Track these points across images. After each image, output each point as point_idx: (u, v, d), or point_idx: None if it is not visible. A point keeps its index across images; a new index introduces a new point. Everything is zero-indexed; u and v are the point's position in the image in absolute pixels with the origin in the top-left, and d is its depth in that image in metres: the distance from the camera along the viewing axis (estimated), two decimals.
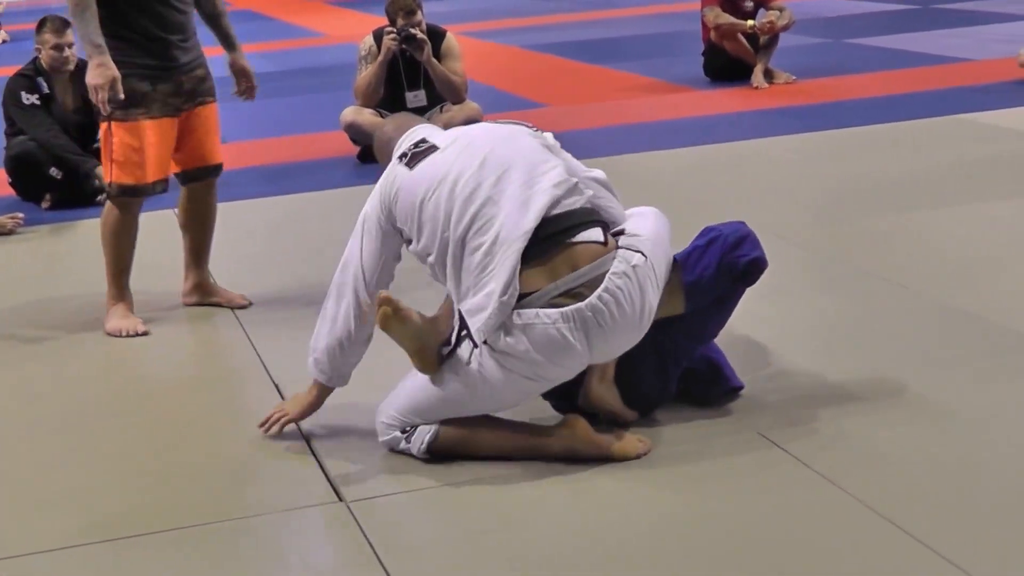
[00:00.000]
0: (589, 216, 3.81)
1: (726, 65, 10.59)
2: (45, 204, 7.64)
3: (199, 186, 5.48)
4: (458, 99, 8.32)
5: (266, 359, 4.88)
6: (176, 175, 5.37)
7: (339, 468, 3.87)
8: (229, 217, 7.01)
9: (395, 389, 3.93)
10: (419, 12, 8.28)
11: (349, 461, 3.89)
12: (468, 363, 3.73)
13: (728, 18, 10.37)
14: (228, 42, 5.50)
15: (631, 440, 3.81)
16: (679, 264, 3.96)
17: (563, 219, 3.76)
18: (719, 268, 3.95)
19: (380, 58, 8.20)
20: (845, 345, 4.69)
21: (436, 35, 8.40)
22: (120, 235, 5.32)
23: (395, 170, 3.96)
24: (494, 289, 3.67)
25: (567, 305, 3.67)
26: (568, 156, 4.00)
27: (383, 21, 8.51)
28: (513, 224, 3.71)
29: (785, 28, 10.36)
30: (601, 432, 3.82)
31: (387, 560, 3.32)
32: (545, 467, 3.76)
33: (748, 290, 4.09)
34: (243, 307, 5.51)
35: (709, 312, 4.03)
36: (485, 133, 3.96)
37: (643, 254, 3.76)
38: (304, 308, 5.46)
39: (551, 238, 3.72)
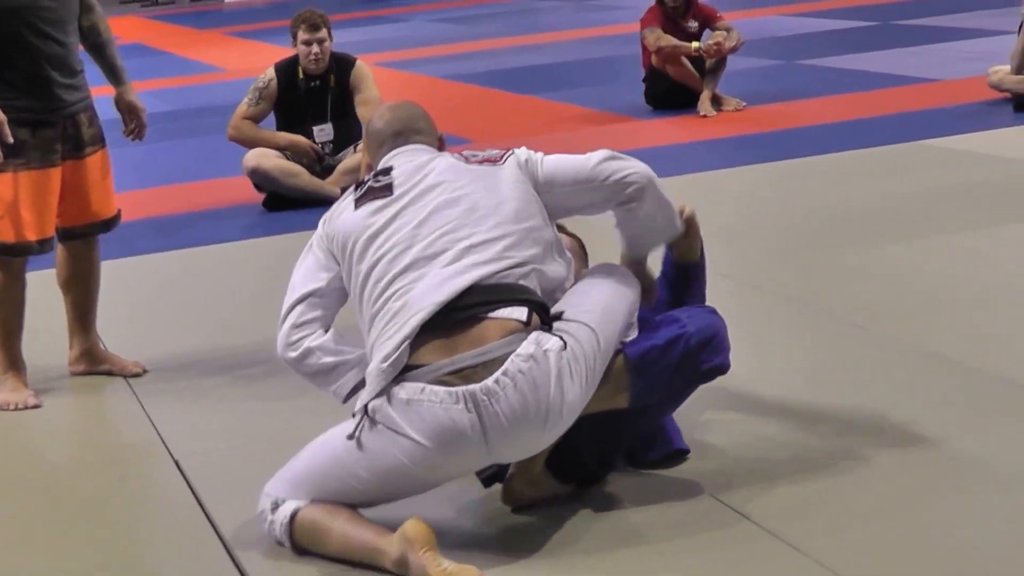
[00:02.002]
0: (516, 294, 3.73)
1: (670, 91, 10.67)
2: None
3: (80, 243, 5.45)
4: None
5: (164, 433, 4.85)
6: (57, 231, 5.33)
7: (247, 553, 3.84)
8: (119, 275, 6.99)
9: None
10: (324, 30, 8.33)
11: (259, 545, 3.86)
12: (352, 434, 3.69)
13: (670, 40, 10.46)
14: (115, 75, 5.47)
15: (467, 573, 3.51)
16: (630, 361, 3.85)
17: (484, 292, 3.71)
18: (677, 371, 3.89)
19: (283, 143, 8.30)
20: (806, 395, 4.71)
21: (345, 63, 8.45)
22: (4, 298, 5.27)
23: (346, 199, 4.01)
24: (382, 355, 3.67)
25: (458, 385, 3.59)
26: (545, 173, 3.93)
27: (288, 52, 8.54)
28: (423, 293, 3.70)
29: (733, 50, 10.47)
30: (438, 558, 3.54)
31: None
32: (475, 553, 3.74)
33: None
34: (137, 375, 5.48)
35: (656, 407, 4.01)
36: (446, 182, 3.88)
37: (564, 341, 3.66)
38: (205, 375, 5.46)
39: (465, 310, 3.68)
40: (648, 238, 4.14)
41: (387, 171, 3.97)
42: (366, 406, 3.67)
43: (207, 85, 15.21)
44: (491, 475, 3.92)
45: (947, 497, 3.87)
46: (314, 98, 8.42)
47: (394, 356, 3.65)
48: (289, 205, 8.32)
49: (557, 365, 3.62)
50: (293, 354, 3.96)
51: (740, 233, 6.99)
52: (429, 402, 3.59)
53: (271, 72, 8.48)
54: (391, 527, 3.64)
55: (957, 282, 5.87)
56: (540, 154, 4.00)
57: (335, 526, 3.70)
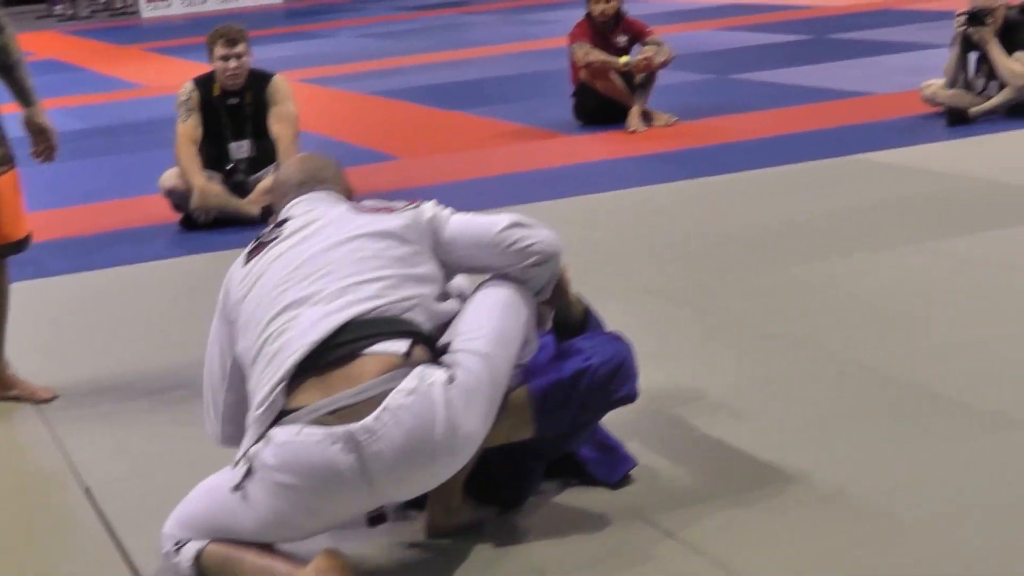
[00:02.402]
0: (396, 326, 3.68)
1: (599, 107, 10.68)
2: None
3: None
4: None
5: (75, 461, 4.78)
6: None
7: None
8: (31, 298, 6.91)
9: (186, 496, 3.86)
10: (242, 44, 8.27)
11: None
12: (236, 485, 3.63)
13: (599, 55, 10.47)
14: (24, 96, 5.40)
15: None
16: (534, 396, 3.80)
17: (360, 328, 3.66)
18: (583, 404, 3.85)
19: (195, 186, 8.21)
20: (736, 414, 4.72)
21: (262, 78, 8.40)
22: None
23: (235, 263, 4.00)
24: (258, 401, 3.63)
25: (336, 425, 3.52)
26: (455, 222, 3.92)
27: (207, 68, 8.47)
28: (299, 335, 3.65)
29: (663, 65, 10.49)
30: None
31: None
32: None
33: None
34: (47, 401, 5.40)
35: (567, 436, 3.97)
36: (331, 226, 3.88)
37: (452, 374, 3.60)
38: (119, 400, 5.40)
39: (341, 347, 3.62)
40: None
41: (282, 223, 3.98)
42: (247, 453, 3.61)
43: (124, 102, 15.10)
44: (377, 515, 3.76)
45: (876, 518, 3.87)
46: (232, 115, 8.37)
47: (269, 401, 3.60)
48: (207, 225, 8.24)
49: (443, 398, 3.55)
50: (229, 444, 3.97)
51: (669, 250, 7.00)
52: (305, 444, 3.51)
53: (190, 85, 8.42)
54: (309, 555, 3.59)
55: (890, 297, 5.89)
56: (448, 212, 3.97)
57: (246, 561, 3.65)
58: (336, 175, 4.20)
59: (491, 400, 3.69)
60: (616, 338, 3.99)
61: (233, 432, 3.92)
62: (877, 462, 4.24)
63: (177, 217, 8.44)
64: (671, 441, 4.52)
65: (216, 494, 3.70)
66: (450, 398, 3.56)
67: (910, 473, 4.15)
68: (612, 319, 5.12)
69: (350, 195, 4.15)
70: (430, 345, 3.71)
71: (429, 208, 3.94)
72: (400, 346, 3.63)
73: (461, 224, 3.94)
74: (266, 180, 8.21)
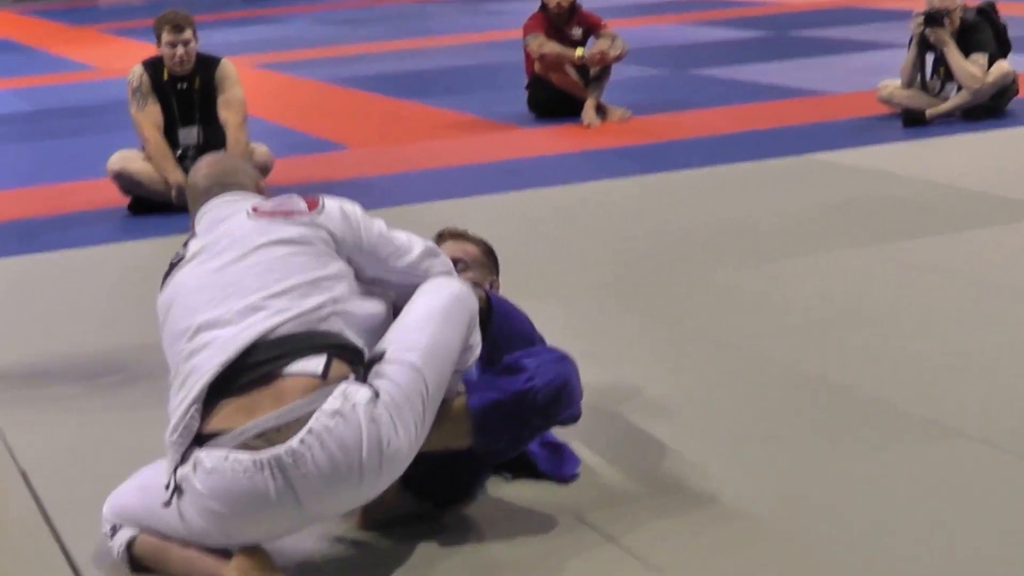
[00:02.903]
0: (310, 341, 3.66)
1: (553, 99, 10.74)
2: None
3: None
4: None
5: (12, 444, 4.81)
6: None
7: (93, 570, 3.84)
8: None
9: (125, 481, 3.90)
10: (188, 30, 8.29)
11: (104, 560, 3.85)
12: (167, 501, 3.65)
13: (554, 47, 10.52)
14: None
15: None
16: (472, 412, 3.81)
17: (277, 345, 3.64)
18: (523, 424, 3.86)
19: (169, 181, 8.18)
20: (674, 416, 4.77)
21: (209, 63, 8.42)
22: None
23: (159, 287, 4.02)
24: (171, 425, 3.64)
25: (263, 448, 3.52)
26: (364, 232, 3.94)
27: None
28: (209, 356, 3.65)
29: (617, 59, 10.55)
30: None
31: None
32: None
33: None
34: None
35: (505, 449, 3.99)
36: (231, 240, 3.87)
37: (376, 391, 3.59)
38: (58, 384, 5.44)
39: (256, 368, 3.61)
40: None
41: (187, 241, 4.00)
42: (175, 475, 3.62)
43: (76, 84, 15.06)
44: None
45: (816, 524, 3.93)
46: (181, 100, 8.39)
47: (183, 424, 3.60)
48: (156, 209, 8.27)
49: (368, 416, 3.54)
50: None
51: (616, 247, 7.05)
52: (232, 471, 3.51)
53: (139, 68, 8.42)
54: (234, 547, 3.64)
55: (834, 300, 5.96)
56: (359, 213, 3.98)
57: (174, 552, 3.69)
58: (246, 177, 4.19)
59: (423, 412, 3.68)
60: (561, 358, 3.97)
61: None
62: (806, 466, 4.31)
63: (125, 201, 8.46)
64: (611, 441, 4.56)
65: (148, 495, 3.73)
66: (374, 416, 3.55)
67: (837, 479, 4.20)
68: (553, 315, 5.23)
69: (261, 194, 4.15)
70: (351, 356, 3.70)
71: (335, 207, 3.94)
72: (316, 364, 3.61)
73: (378, 236, 3.97)
74: None
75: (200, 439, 3.59)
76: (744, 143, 9.53)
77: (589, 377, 4.92)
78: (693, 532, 3.91)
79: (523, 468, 4.25)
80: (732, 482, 4.20)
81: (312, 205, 3.95)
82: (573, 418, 3.96)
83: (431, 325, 3.79)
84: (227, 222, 3.95)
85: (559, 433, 4.33)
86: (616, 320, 5.91)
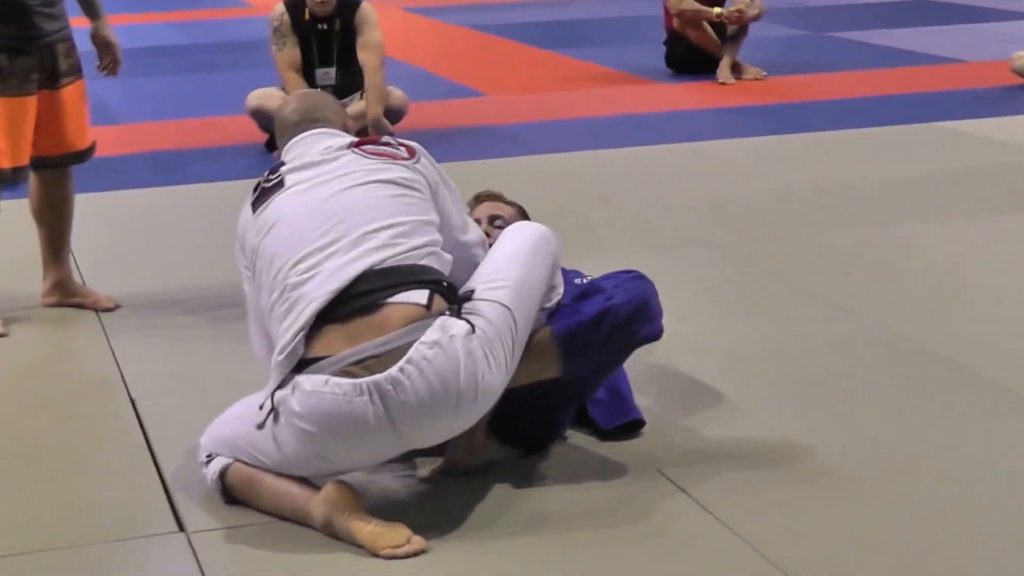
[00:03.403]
0: (415, 275, 3.71)
1: (689, 56, 10.65)
2: None
3: (52, 174, 5.48)
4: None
5: (126, 371, 4.89)
6: (31, 160, 5.34)
7: (186, 496, 3.88)
8: (108, 208, 7.05)
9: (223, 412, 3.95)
10: None
11: (199, 491, 3.89)
12: (260, 424, 3.69)
13: (692, 3, 10.43)
14: (91, 9, 5.50)
15: (396, 532, 3.54)
16: (556, 338, 3.81)
17: (384, 276, 3.68)
18: (607, 344, 3.84)
19: None
20: (768, 376, 4.72)
21: (350, 5, 8.40)
22: None
23: (244, 211, 4.03)
24: (279, 347, 3.68)
25: (363, 376, 3.55)
26: (446, 195, 3.98)
27: None
28: (318, 284, 3.68)
29: (755, 18, 10.42)
30: (365, 519, 3.57)
31: None
32: (411, 515, 3.74)
33: (666, 311, 4.11)
34: (108, 310, 5.51)
35: (594, 376, 4.00)
36: (340, 172, 3.90)
37: (472, 325, 3.62)
38: (178, 315, 5.49)
39: (361, 297, 3.65)
40: None
41: (277, 168, 4.01)
42: (272, 396, 3.66)
43: (230, 20, 15.19)
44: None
45: (892, 489, 3.87)
46: (320, 41, 8.40)
47: (289, 348, 3.63)
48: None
49: (465, 349, 3.57)
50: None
51: (733, 203, 6.98)
52: (332, 395, 3.54)
53: (280, 7, 8.43)
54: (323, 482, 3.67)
55: (945, 269, 5.86)
56: (444, 173, 4.03)
57: (265, 483, 3.73)
58: (334, 115, 4.19)
59: (512, 348, 3.71)
60: (639, 277, 3.97)
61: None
62: (893, 430, 4.24)
63: (263, 138, 8.52)
64: (696, 395, 4.54)
65: (244, 424, 3.77)
66: (471, 349, 3.58)
67: (922, 444, 4.15)
68: (661, 269, 5.18)
69: (348, 132, 4.16)
70: (449, 293, 3.73)
71: (429, 161, 3.99)
72: (419, 296, 3.66)
73: (451, 201, 4.01)
74: (352, 107, 8.25)
75: (301, 365, 3.63)
76: (873, 108, 9.38)
77: (688, 331, 5.00)
78: (766, 488, 3.87)
79: (595, 426, 4.22)
80: (815, 442, 4.14)
81: (410, 153, 3.98)
82: (654, 336, 3.94)
83: (518, 263, 3.81)
84: (328, 156, 3.96)
85: (642, 383, 4.32)
86: (722, 276, 5.86)
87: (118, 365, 4.95)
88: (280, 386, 3.65)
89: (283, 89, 8.42)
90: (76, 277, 5.75)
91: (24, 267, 5.79)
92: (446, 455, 3.97)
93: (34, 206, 5.56)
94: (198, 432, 3.97)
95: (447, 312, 3.66)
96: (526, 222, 4.00)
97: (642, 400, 4.33)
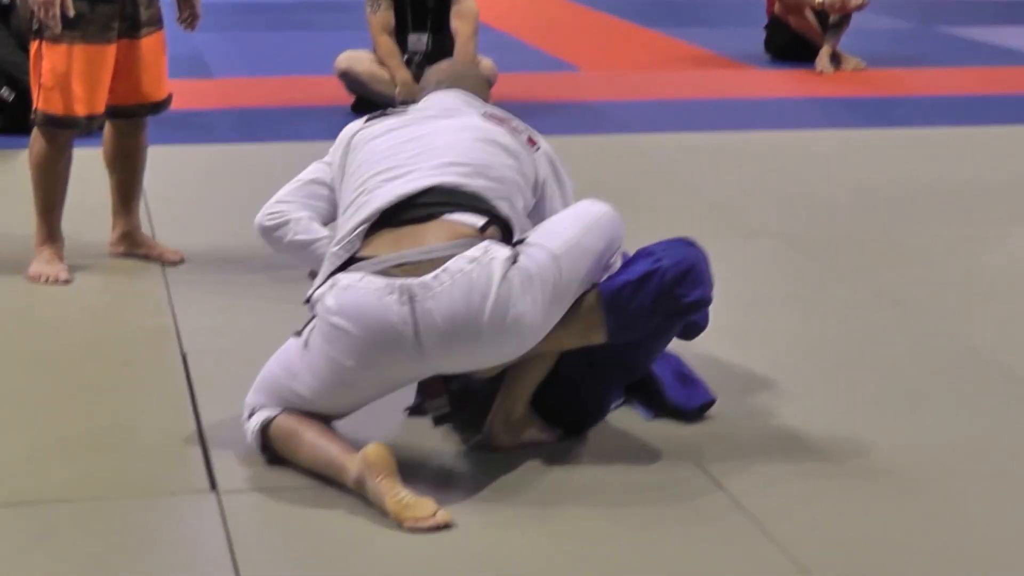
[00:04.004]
0: (479, 202, 3.82)
1: (790, 43, 10.54)
2: None
3: (127, 123, 5.52)
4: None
5: (182, 325, 4.92)
6: (107, 108, 5.38)
7: (223, 454, 3.90)
8: (192, 161, 7.11)
9: None
10: None
11: (236, 449, 3.91)
12: (299, 330, 3.78)
13: None
14: None
15: (423, 505, 3.53)
16: (603, 297, 3.80)
17: (446, 193, 3.81)
18: (655, 306, 3.80)
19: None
20: (824, 373, 4.67)
21: None
22: (47, 169, 5.38)
23: (355, 123, 4.22)
24: (338, 239, 3.81)
25: (398, 277, 3.63)
26: (554, 190, 4.12)
27: None
28: (391, 189, 3.82)
29: (859, 7, 10.29)
30: (396, 486, 3.57)
31: (241, 559, 3.38)
32: (440, 488, 3.74)
33: (727, 301, 4.08)
34: (174, 264, 5.55)
35: (640, 343, 3.94)
36: (459, 122, 4.07)
37: (515, 257, 3.67)
38: (242, 272, 5.50)
39: (422, 208, 3.79)
40: None
41: (408, 102, 4.18)
42: (313, 294, 3.74)
43: None
44: (443, 415, 3.87)
45: (940, 494, 3.82)
46: (415, 6, 8.39)
47: (347, 240, 3.76)
48: (377, 110, 8.31)
49: (501, 272, 3.61)
50: (269, 223, 4.24)
51: (819, 197, 6.90)
52: (364, 289, 3.61)
53: None
54: (362, 446, 3.66)
55: None
56: (565, 177, 4.20)
57: (306, 438, 3.74)
58: (477, 84, 4.39)
59: (553, 298, 3.70)
60: (689, 243, 3.93)
61: (278, 212, 4.21)
62: (944, 433, 4.21)
63: (350, 100, 8.53)
64: (746, 389, 4.49)
65: (284, 352, 3.83)
66: (508, 275, 3.62)
67: (971, 447, 4.10)
68: (729, 258, 5.16)
69: (487, 103, 4.31)
70: (506, 231, 3.81)
71: (548, 157, 4.15)
72: (477, 220, 3.76)
73: (557, 199, 4.15)
74: None
75: (349, 263, 3.71)
76: (973, 106, 9.25)
77: (746, 322, 4.99)
78: (804, 486, 3.83)
79: (652, 398, 4.21)
80: (865, 444, 4.09)
81: (531, 143, 4.13)
82: (702, 301, 3.88)
83: (577, 226, 3.83)
84: (458, 110, 4.15)
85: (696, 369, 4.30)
86: (793, 269, 5.81)
87: (175, 318, 4.99)
88: (324, 280, 3.73)
89: (374, 52, 8.43)
90: (147, 229, 5.81)
91: (94, 215, 5.83)
92: (484, 429, 3.96)
93: (107, 155, 5.60)
94: (244, 392, 3.97)
95: (497, 240, 3.74)
96: (594, 200, 3.98)
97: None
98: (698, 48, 11.26)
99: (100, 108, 5.31)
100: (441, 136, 4.00)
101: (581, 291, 3.79)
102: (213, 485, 3.75)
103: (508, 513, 3.65)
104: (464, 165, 3.89)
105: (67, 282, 5.32)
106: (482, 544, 3.50)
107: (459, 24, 8.31)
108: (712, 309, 3.98)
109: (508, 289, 3.62)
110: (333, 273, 3.73)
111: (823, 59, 10.26)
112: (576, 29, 12.30)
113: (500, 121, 4.14)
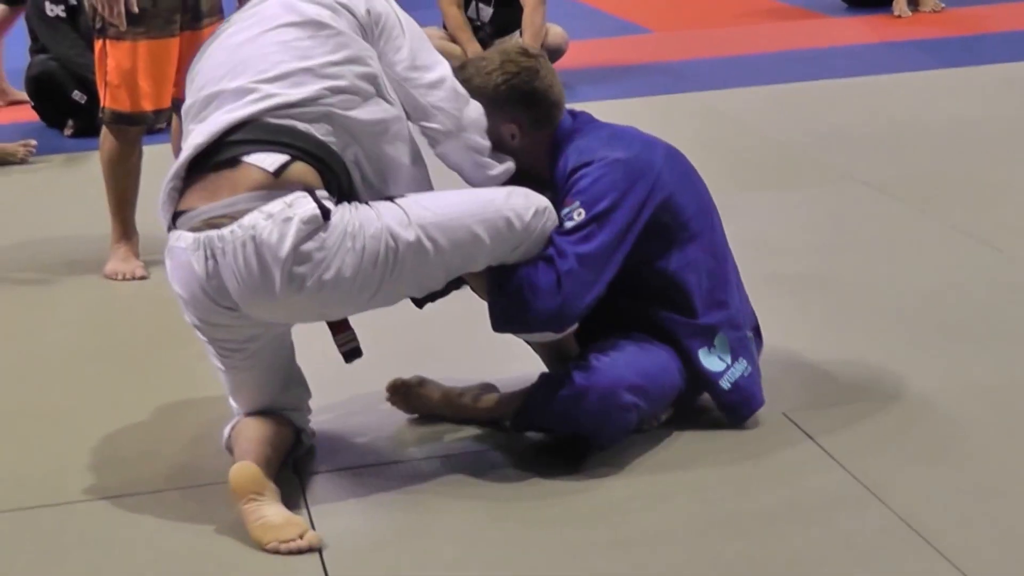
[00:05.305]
0: (282, 136, 3.43)
1: None
2: (68, 131, 7.71)
3: None
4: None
5: None
6: (172, 102, 5.36)
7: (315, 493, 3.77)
8: None
9: None
10: None
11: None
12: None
13: None
14: None
15: (289, 526, 3.35)
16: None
17: (250, 131, 3.43)
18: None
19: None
20: (913, 319, 4.56)
21: None
22: (118, 166, 5.38)
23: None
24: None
25: (205, 231, 3.39)
26: (392, 31, 3.63)
27: None
28: (196, 134, 3.51)
29: None
30: (257, 508, 3.39)
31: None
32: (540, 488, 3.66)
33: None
34: None
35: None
36: (259, 17, 3.64)
37: (325, 213, 3.34)
38: None
39: (224, 150, 3.44)
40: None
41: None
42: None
43: None
44: (351, 349, 3.73)
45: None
46: None
47: (162, 199, 3.51)
48: None
49: (294, 232, 3.32)
50: None
51: (904, 140, 6.79)
52: (180, 250, 3.42)
53: None
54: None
55: None
56: (391, 14, 3.66)
57: (241, 435, 3.65)
58: None
59: (380, 277, 3.43)
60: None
61: None
62: None
63: None
64: (831, 337, 4.41)
65: None
66: (302, 236, 3.32)
67: None
68: (819, 205, 5.09)
69: None
70: (325, 165, 3.45)
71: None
72: (273, 161, 3.40)
73: (398, 41, 3.65)
74: (511, 43, 8.17)
75: (176, 216, 3.50)
76: None
77: (830, 268, 4.94)
78: (896, 438, 3.75)
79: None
80: (958, 392, 4.00)
81: None
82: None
83: (469, 218, 3.51)
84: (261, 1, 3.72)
85: (781, 317, 4.25)
86: (877, 213, 5.70)
87: None
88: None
89: (444, 28, 8.38)
90: None
91: None
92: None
93: (176, 148, 5.57)
94: (318, 381, 3.91)
95: (313, 189, 3.40)
96: (527, 190, 3.65)
97: (779, 341, 4.20)
98: (773, 1, 11.11)
99: (166, 102, 5.30)
100: (245, 50, 3.57)
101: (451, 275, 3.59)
102: (304, 494, 3.65)
103: (607, 471, 3.63)
104: (268, 81, 3.48)
105: (143, 278, 5.32)
106: (568, 497, 3.47)
107: None
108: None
109: (308, 251, 3.34)
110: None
111: (900, 2, 10.11)
112: None
113: None
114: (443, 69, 3.66)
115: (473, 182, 3.75)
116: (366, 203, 3.49)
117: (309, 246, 3.35)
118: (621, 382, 3.63)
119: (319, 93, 3.48)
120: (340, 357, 3.74)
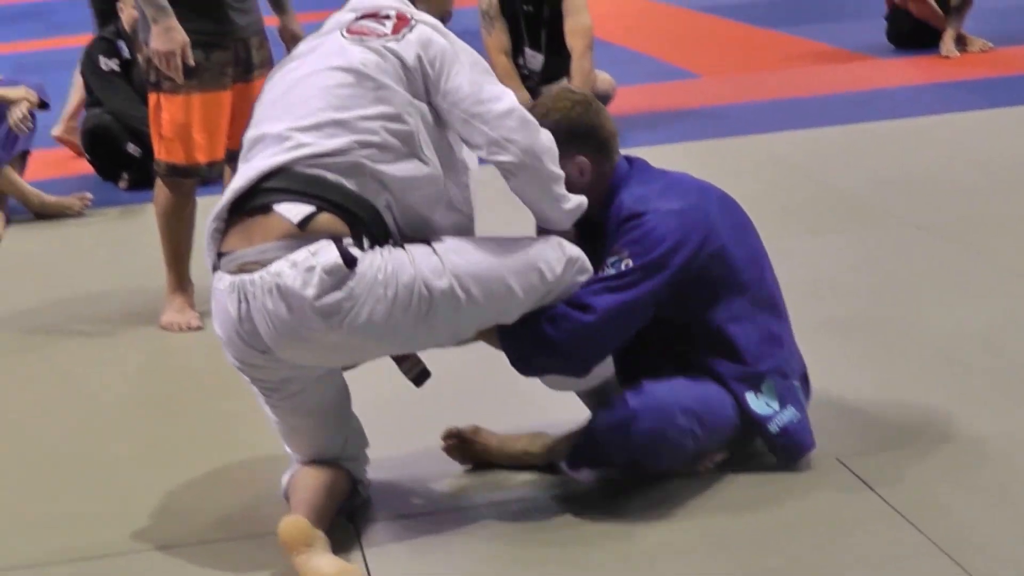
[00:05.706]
0: (310, 187, 3.46)
1: (912, 31, 10.36)
2: (123, 184, 7.78)
3: None
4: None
5: None
6: (225, 153, 5.40)
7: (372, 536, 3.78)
8: None
9: None
10: None
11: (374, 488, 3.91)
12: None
13: None
14: (279, 5, 5.57)
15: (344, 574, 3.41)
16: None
17: (283, 180, 3.48)
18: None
19: None
20: (977, 366, 4.52)
21: None
22: (173, 218, 5.44)
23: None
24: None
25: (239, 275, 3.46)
26: (447, 70, 3.58)
27: None
28: (239, 176, 3.58)
29: None
30: (311, 559, 3.42)
31: None
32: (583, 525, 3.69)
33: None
34: None
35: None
36: (316, 55, 3.67)
37: (351, 261, 3.38)
38: None
39: (262, 195, 3.49)
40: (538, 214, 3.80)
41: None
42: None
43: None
44: (419, 372, 3.79)
45: None
46: (529, 24, 8.33)
47: (206, 239, 3.59)
48: None
49: (320, 286, 3.36)
50: None
51: (956, 183, 6.76)
52: (220, 291, 3.50)
53: None
54: None
55: None
56: (450, 49, 3.61)
57: (297, 485, 3.70)
58: None
59: (408, 326, 3.47)
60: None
61: None
62: None
63: None
64: (893, 384, 4.39)
65: None
66: (325, 287, 3.37)
67: None
68: (869, 249, 5.06)
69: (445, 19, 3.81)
70: (354, 215, 3.46)
71: (419, 38, 3.60)
72: (298, 212, 3.44)
73: (462, 79, 3.59)
74: None
75: (220, 255, 3.56)
76: None
77: (892, 314, 4.93)
78: (956, 487, 3.72)
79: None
80: (1004, 436, 3.97)
81: (396, 29, 3.64)
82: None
83: (503, 269, 3.57)
84: (322, 37, 3.76)
85: (832, 354, 4.30)
86: (933, 256, 5.67)
87: None
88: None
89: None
90: None
91: None
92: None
93: None
94: (375, 424, 3.94)
95: (341, 238, 3.43)
96: (561, 239, 3.70)
97: (833, 385, 4.21)
98: (819, 43, 11.11)
99: (220, 154, 5.35)
100: (297, 85, 3.62)
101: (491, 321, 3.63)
102: (360, 542, 3.68)
103: (658, 518, 3.62)
104: (303, 130, 3.52)
105: (199, 328, 5.36)
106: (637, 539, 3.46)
107: (574, 41, 8.21)
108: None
109: (331, 300, 3.38)
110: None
111: (948, 43, 10.09)
112: (695, 37, 12.19)
113: (360, 32, 3.65)
114: (510, 99, 3.61)
115: (549, 217, 3.72)
116: (401, 246, 3.52)
117: (336, 296, 3.39)
118: (675, 404, 3.66)
119: (349, 145, 3.50)
120: (395, 405, 3.77)
